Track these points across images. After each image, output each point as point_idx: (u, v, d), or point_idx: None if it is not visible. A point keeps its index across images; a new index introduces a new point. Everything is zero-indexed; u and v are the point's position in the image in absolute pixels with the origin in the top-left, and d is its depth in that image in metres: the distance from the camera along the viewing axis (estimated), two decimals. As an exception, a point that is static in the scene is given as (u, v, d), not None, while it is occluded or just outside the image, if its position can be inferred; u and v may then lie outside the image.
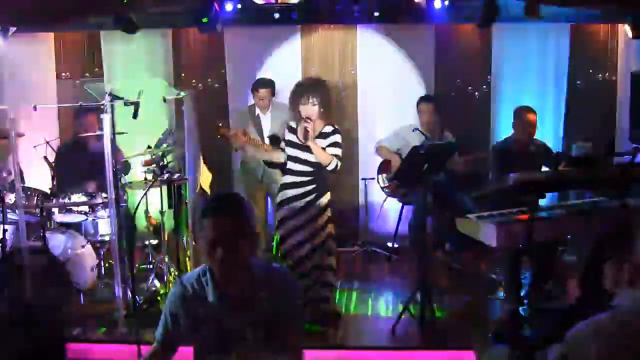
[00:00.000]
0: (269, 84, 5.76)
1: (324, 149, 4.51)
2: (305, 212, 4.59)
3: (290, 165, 4.64)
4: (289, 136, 4.65)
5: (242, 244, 2.27)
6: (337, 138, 4.57)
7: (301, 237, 4.59)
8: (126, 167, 5.72)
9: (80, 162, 5.52)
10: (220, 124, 5.16)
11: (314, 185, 4.58)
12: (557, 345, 2.11)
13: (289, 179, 4.65)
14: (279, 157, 4.74)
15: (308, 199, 4.58)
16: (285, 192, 4.64)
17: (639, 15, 5.38)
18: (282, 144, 4.71)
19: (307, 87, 4.57)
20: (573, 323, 2.10)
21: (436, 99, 6.11)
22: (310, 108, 4.48)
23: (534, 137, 5.33)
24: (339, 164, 4.55)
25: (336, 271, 4.83)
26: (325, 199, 4.64)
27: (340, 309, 4.97)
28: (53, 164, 5.60)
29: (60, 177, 5.54)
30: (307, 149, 4.54)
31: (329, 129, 4.56)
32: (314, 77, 5.03)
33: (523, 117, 5.23)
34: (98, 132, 5.44)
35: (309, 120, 4.47)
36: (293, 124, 4.66)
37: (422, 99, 5.99)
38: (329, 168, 4.53)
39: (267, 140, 5.74)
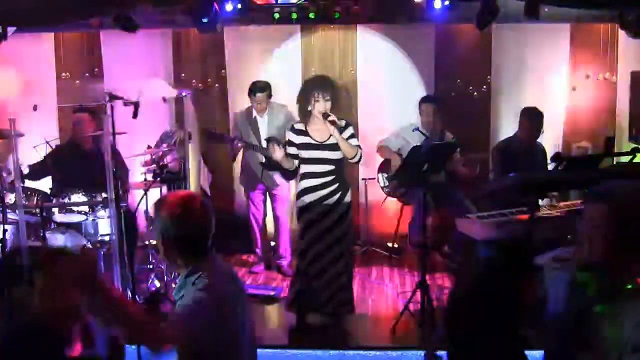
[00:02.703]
0: (265, 88, 5.75)
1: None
2: (330, 214, 4.53)
3: (308, 168, 4.56)
4: (301, 139, 4.56)
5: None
6: (352, 130, 4.58)
7: (326, 244, 4.54)
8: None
9: (73, 163, 5.51)
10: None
11: (337, 184, 4.55)
12: None
13: (308, 183, 4.56)
14: (290, 165, 4.65)
15: (332, 200, 4.53)
16: (306, 197, 4.56)
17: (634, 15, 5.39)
18: (290, 149, 4.61)
19: (317, 84, 4.54)
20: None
21: (437, 99, 6.11)
22: (324, 104, 4.45)
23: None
24: (362, 154, 4.57)
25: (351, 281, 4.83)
26: (349, 196, 4.62)
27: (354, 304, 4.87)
28: (44, 161, 5.59)
29: (55, 178, 5.56)
30: (326, 147, 4.50)
31: (342, 122, 4.54)
32: (322, 75, 5.01)
33: (533, 120, 5.23)
34: (92, 134, 5.48)
35: (331, 115, 4.42)
36: (301, 126, 4.59)
37: (424, 99, 5.99)
38: (355, 160, 4.52)
39: (264, 143, 5.74)
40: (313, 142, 4.54)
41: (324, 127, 4.47)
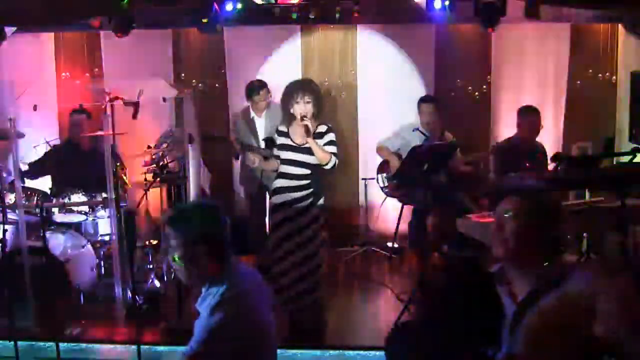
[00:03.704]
0: (262, 88, 5.77)
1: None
2: (300, 218, 4.53)
3: (285, 168, 4.58)
4: (282, 140, 4.59)
5: None
6: (332, 136, 4.54)
7: (293, 245, 4.53)
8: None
9: (72, 164, 5.51)
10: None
11: (311, 189, 4.54)
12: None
13: (282, 183, 4.58)
14: (274, 166, 4.68)
15: (304, 203, 4.53)
16: (278, 197, 4.57)
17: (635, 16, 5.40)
18: (275, 151, 4.64)
19: (299, 87, 4.56)
20: None
21: (437, 99, 6.11)
22: (305, 106, 4.45)
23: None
24: (337, 161, 4.53)
25: (320, 283, 4.69)
26: (320, 202, 4.59)
27: (326, 316, 4.83)
28: (43, 159, 5.59)
29: (54, 178, 5.56)
30: (304, 151, 4.50)
31: (323, 128, 4.54)
32: (304, 78, 5.03)
33: (530, 117, 5.24)
34: (90, 134, 5.47)
35: (306, 119, 4.43)
36: (283, 128, 4.62)
37: (422, 99, 5.98)
38: (328, 166, 4.49)
39: (262, 144, 5.74)
40: (292, 144, 4.55)
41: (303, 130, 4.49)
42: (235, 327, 2.34)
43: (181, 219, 2.46)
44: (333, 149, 4.52)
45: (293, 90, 4.52)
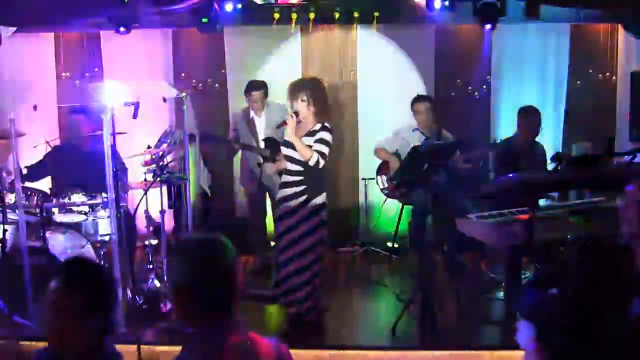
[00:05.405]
0: (261, 86, 5.76)
1: (310, 146, 4.51)
2: (297, 213, 4.58)
3: (287, 164, 4.67)
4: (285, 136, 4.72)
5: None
6: (324, 135, 4.55)
7: (294, 237, 4.59)
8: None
9: (72, 163, 5.50)
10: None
11: (304, 186, 4.57)
12: None
13: (285, 178, 4.69)
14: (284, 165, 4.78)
15: (300, 199, 4.57)
16: (282, 191, 4.68)
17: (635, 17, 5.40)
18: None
19: (298, 86, 4.63)
20: None
21: (431, 97, 6.10)
22: (299, 104, 4.54)
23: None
24: (321, 160, 4.51)
25: (319, 277, 4.72)
26: (319, 200, 4.60)
27: (326, 304, 4.89)
28: (42, 161, 5.59)
29: (55, 178, 5.56)
30: (292, 146, 4.56)
31: (317, 126, 4.57)
32: (307, 77, 5.08)
33: (530, 117, 5.23)
34: (90, 134, 5.46)
35: (292, 115, 4.52)
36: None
37: (415, 99, 5.96)
38: (310, 163, 4.51)
39: (262, 144, 5.74)
40: (286, 140, 4.63)
41: (295, 127, 4.56)
42: None
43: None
44: (320, 147, 4.52)
45: (291, 89, 4.62)
